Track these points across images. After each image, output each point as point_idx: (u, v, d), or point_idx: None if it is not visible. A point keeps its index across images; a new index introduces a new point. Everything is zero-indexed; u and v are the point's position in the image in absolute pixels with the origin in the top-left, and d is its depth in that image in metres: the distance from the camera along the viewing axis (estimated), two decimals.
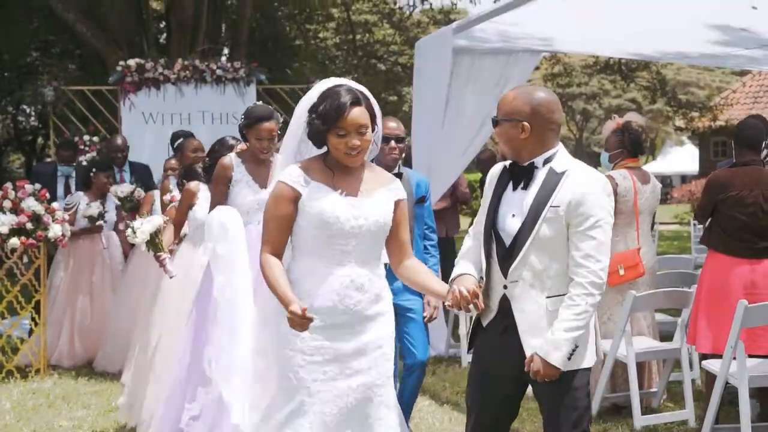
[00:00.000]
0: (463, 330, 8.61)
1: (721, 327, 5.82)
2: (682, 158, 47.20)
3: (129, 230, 6.79)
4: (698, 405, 6.46)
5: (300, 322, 3.67)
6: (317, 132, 3.87)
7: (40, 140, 27.88)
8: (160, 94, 12.31)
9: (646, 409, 6.85)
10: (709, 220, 6.47)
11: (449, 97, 8.60)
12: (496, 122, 4.01)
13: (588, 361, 3.97)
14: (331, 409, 3.89)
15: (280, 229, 3.91)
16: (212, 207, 5.69)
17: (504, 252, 3.96)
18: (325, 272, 3.90)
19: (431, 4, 21.66)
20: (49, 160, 11.21)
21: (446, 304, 3.90)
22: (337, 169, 3.94)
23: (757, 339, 5.84)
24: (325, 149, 3.95)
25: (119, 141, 10.06)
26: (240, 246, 5.19)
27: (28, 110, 26.82)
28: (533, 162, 3.94)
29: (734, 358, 5.59)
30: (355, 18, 23.09)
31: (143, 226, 6.75)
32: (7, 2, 19.55)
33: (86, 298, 8.98)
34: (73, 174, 9.62)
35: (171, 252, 6.70)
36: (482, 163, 11.56)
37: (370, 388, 3.99)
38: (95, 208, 8.73)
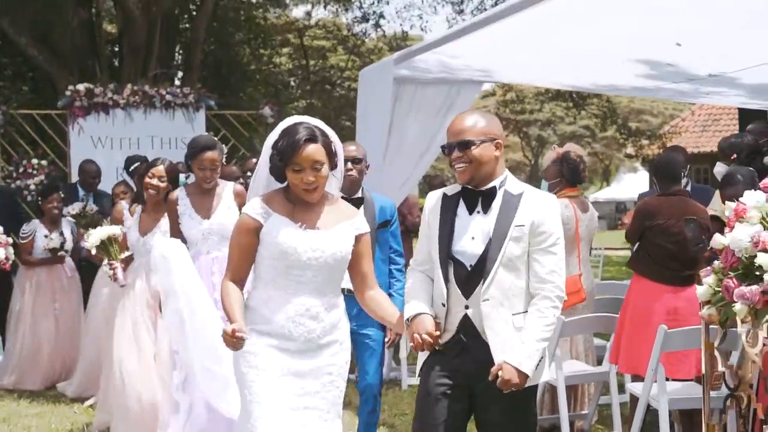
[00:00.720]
0: (404, 353, 8.75)
1: (643, 350, 6.00)
2: (635, 184, 47.70)
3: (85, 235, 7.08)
4: (626, 428, 6.64)
5: (229, 340, 3.84)
6: (276, 167, 4.05)
7: None
8: (109, 118, 12.33)
9: (578, 431, 7.04)
10: (637, 245, 6.70)
11: (392, 126, 8.77)
12: (469, 143, 4.05)
13: (545, 375, 4.17)
14: (283, 425, 3.99)
15: (240, 257, 4.11)
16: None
17: (466, 274, 4.07)
18: (282, 300, 4.04)
19: (384, 32, 21.88)
20: None
21: (410, 346, 4.10)
22: (297, 203, 4.09)
23: (677, 363, 6.02)
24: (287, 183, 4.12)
25: (94, 167, 10.12)
26: (181, 273, 5.35)
27: None
28: (495, 186, 4.10)
29: (655, 381, 5.78)
30: (309, 43, 23.29)
31: (96, 231, 7.00)
32: None
33: (50, 323, 8.96)
34: None
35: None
36: (433, 188, 11.65)
37: (317, 412, 4.12)
38: (57, 240, 8.78)
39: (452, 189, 4.23)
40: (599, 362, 7.27)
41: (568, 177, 7.22)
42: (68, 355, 8.83)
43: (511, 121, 43.37)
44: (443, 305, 4.07)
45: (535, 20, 6.72)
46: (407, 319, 4.06)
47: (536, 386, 4.22)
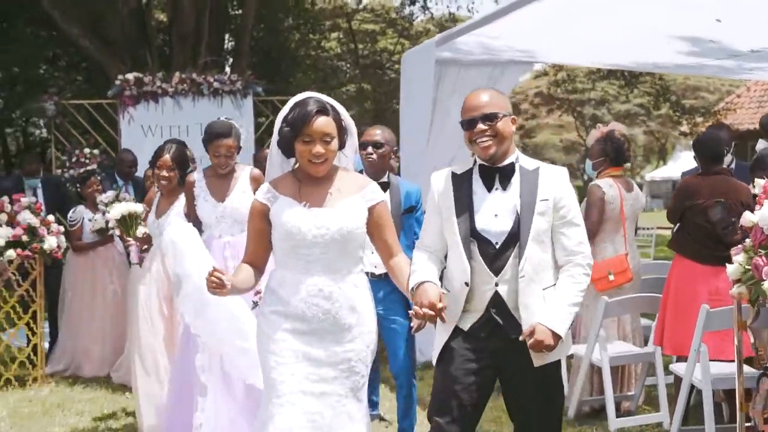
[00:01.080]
0: None
1: (687, 330, 5.96)
2: (692, 162, 47.14)
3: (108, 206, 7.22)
4: (673, 408, 6.60)
5: (209, 280, 3.91)
6: (286, 139, 4.05)
7: (49, 152, 28.15)
8: (158, 107, 12.50)
9: (625, 412, 7.02)
10: (677, 225, 6.65)
11: (435, 108, 8.80)
12: (493, 116, 4.04)
13: (559, 356, 4.14)
14: (297, 415, 3.97)
15: (254, 242, 4.19)
16: (190, 221, 5.97)
17: (494, 251, 4.04)
18: (295, 281, 4.05)
19: (432, 14, 21.84)
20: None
21: (411, 325, 4.12)
22: (304, 181, 4.10)
23: (720, 343, 5.96)
24: (295, 162, 4.16)
25: (130, 156, 10.26)
26: (193, 256, 5.37)
27: (38, 122, 27.08)
28: (512, 162, 4.10)
29: (699, 362, 5.75)
30: (357, 27, 23.30)
31: (119, 205, 7.16)
32: (16, 16, 19.87)
33: (106, 307, 9.12)
34: (40, 186, 9.75)
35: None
36: None
37: (333, 398, 4.05)
38: (101, 221, 8.92)
39: (461, 167, 4.21)
40: (646, 343, 7.24)
41: (612, 156, 7.19)
42: (120, 340, 8.95)
43: (564, 101, 43.02)
44: (466, 284, 4.03)
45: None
46: (411, 288, 4.00)
47: (560, 362, 4.21)
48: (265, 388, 4.12)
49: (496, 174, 4.09)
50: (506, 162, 4.09)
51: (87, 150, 12.36)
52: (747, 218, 3.85)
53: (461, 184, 4.13)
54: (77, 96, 15.31)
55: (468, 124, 4.10)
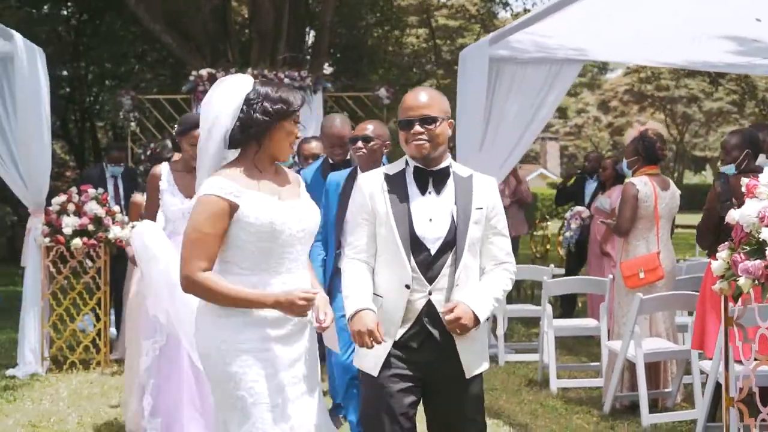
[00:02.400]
0: (501, 330, 8.88)
1: (714, 329, 5.97)
2: None
3: None
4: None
5: (307, 304, 3.63)
6: (262, 126, 3.69)
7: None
8: None
9: (662, 409, 7.06)
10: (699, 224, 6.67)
11: (492, 106, 8.90)
12: (432, 119, 3.92)
13: (485, 366, 4.08)
14: (285, 420, 3.76)
15: (216, 245, 3.67)
16: (147, 215, 6.00)
17: (429, 259, 3.92)
18: (275, 283, 3.73)
19: (512, 10, 21.85)
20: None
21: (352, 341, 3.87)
22: (259, 175, 3.76)
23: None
24: (235, 155, 3.77)
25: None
26: (159, 243, 5.44)
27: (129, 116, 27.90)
28: (446, 166, 3.99)
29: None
30: (438, 24, 23.43)
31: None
32: (107, 13, 20.58)
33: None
34: (121, 174, 10.12)
35: None
36: (590, 163, 11.61)
37: (311, 394, 3.88)
38: None
39: (393, 168, 4.04)
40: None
41: (645, 155, 7.25)
42: None
43: (655, 99, 42.52)
44: (407, 287, 3.89)
45: None
46: (349, 317, 3.84)
47: (481, 379, 4.08)
48: (243, 406, 3.69)
49: (430, 177, 3.97)
50: (441, 166, 3.99)
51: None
52: (731, 216, 3.90)
53: (395, 186, 3.97)
54: (162, 91, 15.77)
55: (405, 125, 3.95)
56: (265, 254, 3.71)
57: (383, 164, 5.95)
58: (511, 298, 10.73)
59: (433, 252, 3.91)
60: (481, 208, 3.96)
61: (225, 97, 3.71)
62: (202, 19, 16.81)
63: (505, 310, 8.91)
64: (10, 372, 8.54)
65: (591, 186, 11.17)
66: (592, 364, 8.44)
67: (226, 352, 3.68)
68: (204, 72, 12.83)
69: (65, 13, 23.45)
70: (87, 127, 24.99)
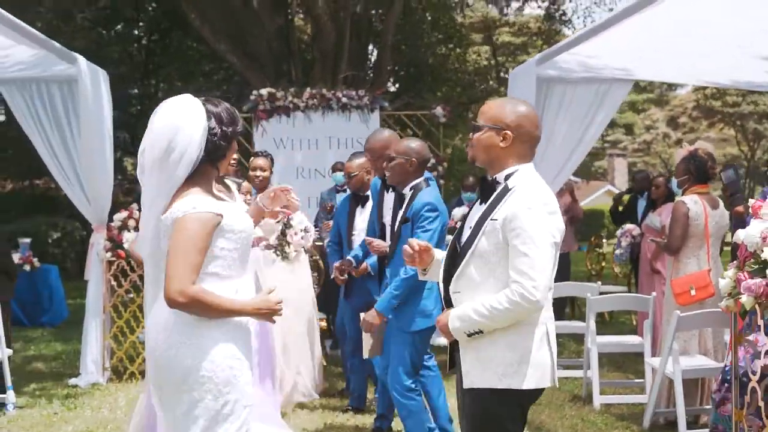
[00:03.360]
0: None
1: None
2: None
3: None
4: None
5: (273, 310, 3.80)
6: (223, 150, 3.82)
7: None
8: (290, 120, 13.15)
9: (702, 425, 7.11)
10: None
11: (541, 125, 9.03)
12: (478, 127, 3.98)
13: (519, 381, 3.86)
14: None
15: (203, 260, 3.71)
16: None
17: (448, 266, 4.04)
18: (242, 288, 3.86)
19: (574, 28, 21.92)
20: None
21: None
22: (211, 185, 3.88)
23: None
24: (187, 172, 3.75)
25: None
26: None
27: None
28: (495, 177, 3.94)
29: None
30: (499, 41, 23.57)
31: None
32: (176, 33, 21.15)
33: None
34: None
35: None
36: (638, 182, 11.86)
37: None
38: None
39: None
40: None
41: (696, 174, 7.34)
42: None
43: (725, 115, 42.00)
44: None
45: (660, 17, 6.88)
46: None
47: (485, 397, 3.95)
48: (232, 407, 3.76)
49: (485, 187, 4.00)
50: (495, 175, 3.96)
51: None
52: (737, 236, 4.02)
53: (481, 196, 4.04)
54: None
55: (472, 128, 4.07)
56: (241, 259, 3.85)
57: (425, 183, 6.18)
58: (563, 315, 10.82)
59: (455, 260, 4.01)
60: (496, 220, 3.84)
61: (193, 125, 3.71)
62: (266, 38, 17.19)
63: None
64: (72, 381, 8.90)
65: (642, 204, 11.27)
66: (637, 380, 8.51)
67: (229, 358, 3.73)
68: (264, 91, 13.14)
69: (136, 33, 24.18)
70: None
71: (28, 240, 12.85)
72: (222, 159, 3.85)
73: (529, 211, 3.77)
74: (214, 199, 3.80)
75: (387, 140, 6.68)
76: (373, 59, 20.39)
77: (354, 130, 13.11)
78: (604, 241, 13.45)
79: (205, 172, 3.82)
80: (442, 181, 13.83)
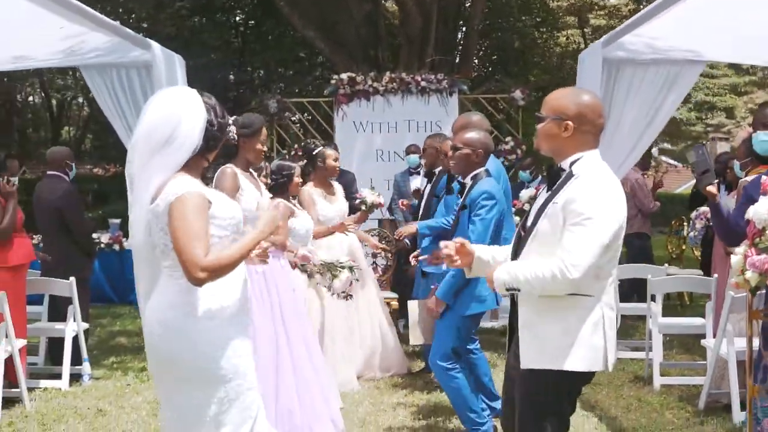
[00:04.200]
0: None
1: None
2: None
3: None
4: None
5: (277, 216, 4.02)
6: (218, 140, 3.98)
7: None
8: (369, 104, 13.33)
9: None
10: None
11: (610, 108, 9.05)
12: (540, 118, 4.08)
13: (571, 363, 3.97)
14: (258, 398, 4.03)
15: (208, 230, 3.78)
16: None
17: (515, 246, 4.22)
18: (237, 274, 3.90)
19: None
20: None
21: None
22: (202, 174, 4.01)
23: None
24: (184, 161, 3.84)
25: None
26: None
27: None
28: (560, 165, 4.06)
29: None
30: (591, 23, 23.32)
31: None
32: (269, 20, 21.54)
33: None
34: None
35: None
36: (719, 165, 11.74)
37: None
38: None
39: None
40: None
41: (756, 155, 7.27)
42: None
43: None
44: None
45: None
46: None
47: (542, 380, 4.06)
48: (239, 392, 3.89)
49: (552, 175, 4.12)
50: (561, 164, 4.08)
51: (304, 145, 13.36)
52: (748, 213, 4.04)
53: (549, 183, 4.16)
54: (311, 94, 16.47)
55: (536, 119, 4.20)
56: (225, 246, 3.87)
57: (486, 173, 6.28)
58: (635, 298, 10.78)
59: (520, 242, 4.18)
60: (557, 203, 3.95)
61: (195, 116, 3.82)
62: (354, 24, 17.40)
63: (618, 308, 9.00)
64: None
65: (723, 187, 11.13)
66: (701, 362, 8.47)
67: (227, 348, 3.82)
68: (344, 76, 13.34)
69: (237, 20, 24.65)
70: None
71: (117, 221, 13.36)
72: (214, 150, 3.98)
73: (587, 194, 3.87)
74: (201, 184, 3.88)
75: (467, 123, 6.82)
76: (461, 44, 20.39)
77: (433, 114, 13.23)
78: (685, 224, 13.28)
79: (195, 161, 3.90)
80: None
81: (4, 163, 7.54)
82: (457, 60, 18.66)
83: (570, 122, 4.00)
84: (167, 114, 3.80)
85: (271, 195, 6.68)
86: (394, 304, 9.88)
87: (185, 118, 3.79)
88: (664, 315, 8.74)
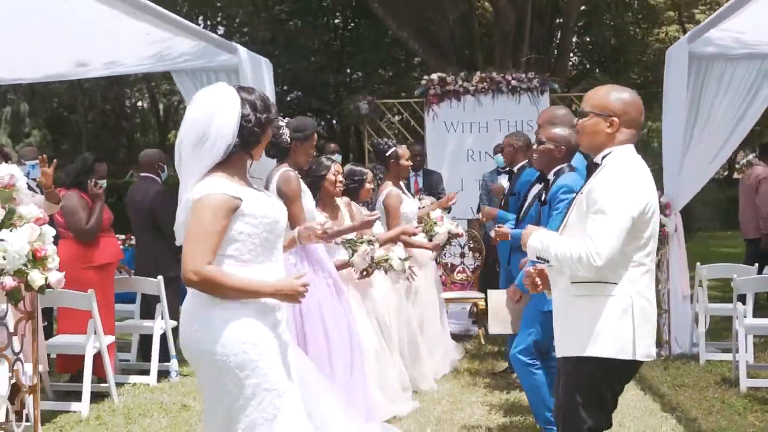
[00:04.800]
0: (702, 329, 8.81)
1: None
2: None
3: None
4: None
5: (301, 288, 3.84)
6: (257, 137, 3.92)
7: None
8: (460, 104, 13.30)
9: None
10: None
11: (699, 104, 8.91)
12: (584, 113, 4.19)
13: (595, 349, 4.09)
14: (296, 400, 3.96)
15: (220, 241, 3.75)
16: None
17: None
18: (265, 275, 3.86)
19: None
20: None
21: None
22: (242, 176, 3.94)
23: None
24: (219, 159, 3.83)
25: (418, 146, 11.27)
26: None
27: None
28: (595, 160, 4.19)
29: None
30: (696, 18, 22.76)
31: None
32: (363, 22, 21.74)
33: None
34: None
35: None
36: None
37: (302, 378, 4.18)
38: None
39: None
40: None
41: None
42: None
43: None
44: None
45: None
46: None
47: (580, 365, 4.17)
48: (257, 392, 3.81)
49: (591, 169, 4.26)
50: (596, 158, 4.20)
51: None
52: None
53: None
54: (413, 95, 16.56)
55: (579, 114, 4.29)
56: (264, 246, 3.86)
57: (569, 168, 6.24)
58: (715, 298, 10.53)
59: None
60: (581, 193, 4.15)
61: (227, 112, 3.80)
62: (448, 25, 17.42)
63: (707, 308, 8.85)
64: None
65: None
66: None
67: (242, 342, 3.75)
68: (435, 76, 13.34)
69: (336, 22, 24.92)
70: (351, 130, 26.33)
71: None
72: (257, 146, 3.93)
73: (608, 183, 4.01)
74: (239, 184, 3.84)
75: (552, 117, 6.78)
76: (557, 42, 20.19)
77: (524, 113, 13.11)
78: None
79: (237, 159, 3.87)
80: None
81: (92, 166, 7.79)
82: (553, 58, 18.50)
83: (615, 118, 4.12)
84: (202, 112, 3.80)
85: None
86: (482, 304, 9.88)
87: (218, 114, 3.78)
88: (756, 316, 8.56)
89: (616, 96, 4.17)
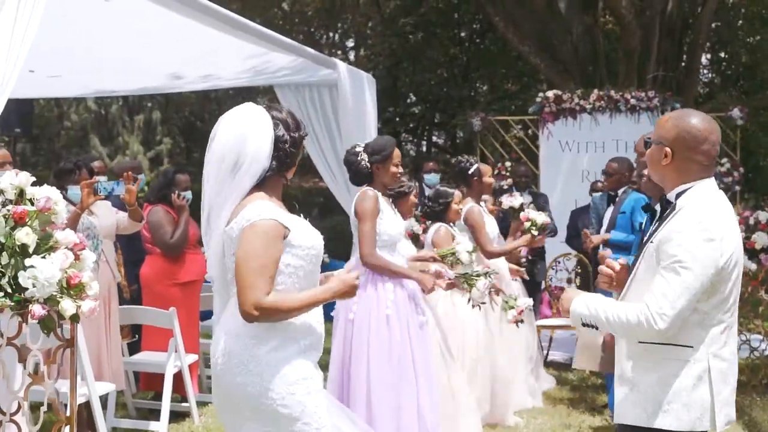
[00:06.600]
0: None
1: None
2: None
3: None
4: None
5: (355, 281, 3.70)
6: (293, 158, 3.74)
7: None
8: (576, 123, 12.90)
9: None
10: None
11: None
12: (648, 143, 3.76)
13: (665, 421, 3.57)
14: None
15: (276, 269, 3.55)
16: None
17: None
18: (312, 311, 3.68)
19: None
20: None
21: None
22: (278, 197, 3.76)
23: None
24: (255, 183, 3.64)
25: (522, 167, 10.95)
26: None
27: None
28: (668, 197, 3.68)
29: None
30: None
31: None
32: (487, 37, 21.44)
33: None
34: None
35: None
36: None
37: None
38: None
39: None
40: None
41: None
42: None
43: None
44: None
45: None
46: None
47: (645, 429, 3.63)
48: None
49: (662, 206, 3.74)
50: (667, 195, 3.70)
51: (508, 163, 13.10)
52: None
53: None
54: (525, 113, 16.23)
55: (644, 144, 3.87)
56: (306, 278, 3.66)
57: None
58: None
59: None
60: (652, 242, 3.58)
61: (261, 134, 3.61)
62: (571, 40, 16.93)
63: None
64: None
65: None
66: None
67: (290, 384, 3.55)
68: (550, 93, 13.00)
69: (462, 35, 24.67)
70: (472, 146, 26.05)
71: None
72: (292, 167, 3.75)
73: (681, 234, 3.47)
74: (281, 209, 3.64)
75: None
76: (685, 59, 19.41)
77: (643, 133, 12.59)
78: None
79: (272, 182, 3.69)
80: (737, 188, 12.94)
81: (173, 178, 7.71)
82: (682, 76, 17.77)
83: (668, 148, 3.61)
84: (233, 136, 3.59)
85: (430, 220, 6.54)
86: None
87: (250, 138, 3.58)
88: None
89: (674, 123, 3.64)
